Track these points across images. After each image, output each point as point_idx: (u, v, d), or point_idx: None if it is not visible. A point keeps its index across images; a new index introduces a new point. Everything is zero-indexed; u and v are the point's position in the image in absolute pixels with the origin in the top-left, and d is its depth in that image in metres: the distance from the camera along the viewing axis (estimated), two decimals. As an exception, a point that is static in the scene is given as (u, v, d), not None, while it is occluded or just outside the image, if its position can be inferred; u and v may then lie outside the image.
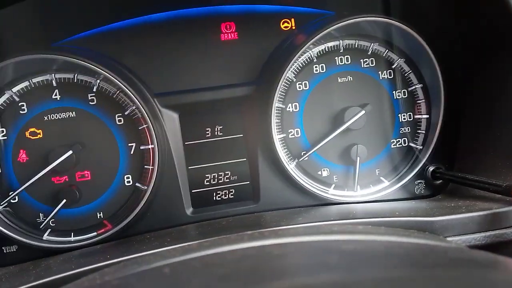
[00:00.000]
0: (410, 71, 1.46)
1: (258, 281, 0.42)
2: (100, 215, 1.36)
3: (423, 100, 1.47)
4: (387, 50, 1.45)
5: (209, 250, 0.55)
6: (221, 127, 1.44)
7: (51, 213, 1.30)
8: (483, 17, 1.25)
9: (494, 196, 1.20)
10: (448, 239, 1.08)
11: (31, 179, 1.28)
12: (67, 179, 1.34)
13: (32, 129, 1.33)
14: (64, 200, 1.30)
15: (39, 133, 1.33)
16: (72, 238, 1.31)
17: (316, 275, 0.41)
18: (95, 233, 1.32)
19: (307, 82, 1.44)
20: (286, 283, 0.40)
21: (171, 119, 1.39)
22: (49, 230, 1.32)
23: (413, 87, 1.47)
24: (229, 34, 1.43)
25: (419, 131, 1.48)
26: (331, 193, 1.44)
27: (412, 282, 0.41)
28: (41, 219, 1.33)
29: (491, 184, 1.17)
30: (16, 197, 1.32)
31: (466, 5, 1.27)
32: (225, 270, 0.47)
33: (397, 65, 1.46)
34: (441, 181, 1.45)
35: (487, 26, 1.25)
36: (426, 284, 0.41)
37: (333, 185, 1.45)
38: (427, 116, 1.47)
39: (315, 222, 1.20)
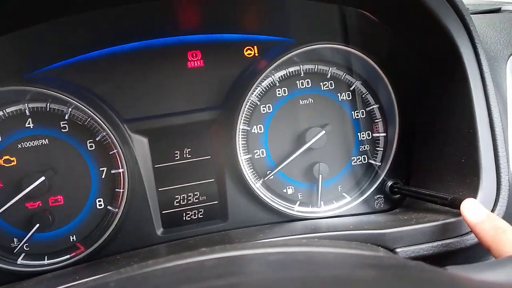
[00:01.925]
0: (367, 92, 1.56)
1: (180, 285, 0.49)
2: (73, 238, 1.40)
3: (380, 119, 1.56)
4: (345, 74, 1.55)
5: (157, 266, 0.61)
6: (189, 149, 1.50)
7: (25, 237, 1.34)
8: (429, 45, 1.35)
9: (443, 209, 1.28)
10: (398, 249, 1.16)
11: (5, 205, 1.32)
12: (40, 204, 1.38)
13: (6, 157, 1.38)
14: (38, 225, 1.34)
15: (13, 161, 1.38)
16: (46, 262, 1.35)
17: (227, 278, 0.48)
18: (68, 256, 1.36)
19: (270, 105, 1.53)
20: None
21: (140, 144, 1.46)
22: (23, 254, 1.36)
23: (371, 107, 1.56)
24: (196, 61, 1.51)
25: (378, 148, 1.57)
26: (296, 209, 1.51)
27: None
28: (15, 243, 1.37)
29: (439, 197, 1.26)
30: (-9, 223, 1.36)
31: (414, 35, 1.37)
32: (160, 280, 0.53)
33: (355, 87, 1.56)
34: (399, 195, 1.53)
35: (433, 53, 1.35)
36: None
37: (298, 202, 1.53)
38: (384, 134, 1.56)
39: (279, 237, 1.27)
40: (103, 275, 0.87)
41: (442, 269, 0.81)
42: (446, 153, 1.34)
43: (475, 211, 1.08)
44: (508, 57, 1.48)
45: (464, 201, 1.13)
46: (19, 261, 1.35)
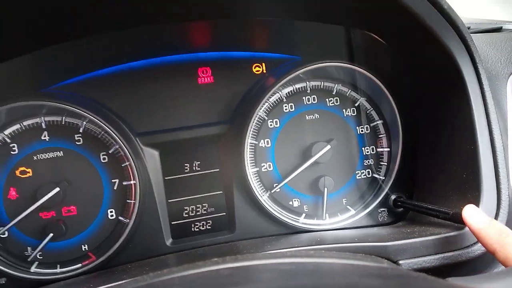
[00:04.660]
0: (372, 108, 1.60)
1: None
2: (85, 247, 1.45)
3: (384, 135, 1.60)
4: (350, 90, 1.60)
5: (174, 274, 0.65)
6: (198, 162, 1.55)
7: (39, 246, 1.39)
8: (431, 65, 1.40)
9: (446, 223, 1.31)
10: (401, 262, 1.20)
11: (20, 215, 1.37)
12: (54, 214, 1.43)
13: (22, 168, 1.43)
14: (51, 234, 1.39)
15: (29, 172, 1.43)
16: (58, 270, 1.40)
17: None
18: (80, 265, 1.40)
19: (277, 120, 1.57)
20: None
21: (152, 156, 1.51)
22: (36, 262, 1.40)
23: (375, 123, 1.61)
24: (206, 78, 1.56)
25: (382, 163, 1.61)
26: (302, 222, 1.55)
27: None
28: (29, 252, 1.41)
29: (441, 211, 1.29)
30: (6, 232, 1.41)
31: (417, 55, 1.42)
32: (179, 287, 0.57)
33: (359, 103, 1.60)
34: (402, 209, 1.56)
35: (435, 72, 1.40)
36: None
37: (304, 214, 1.57)
38: (388, 149, 1.60)
39: (285, 248, 1.31)
40: (119, 283, 0.92)
41: (444, 280, 0.84)
42: (448, 169, 1.37)
43: (477, 217, 1.13)
44: (509, 76, 1.52)
45: (465, 208, 1.17)
46: (32, 269, 1.40)
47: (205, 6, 1.30)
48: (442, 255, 1.21)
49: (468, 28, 1.99)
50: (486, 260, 1.27)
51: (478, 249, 1.21)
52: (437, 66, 1.37)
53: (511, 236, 1.03)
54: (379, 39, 1.43)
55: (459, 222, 1.22)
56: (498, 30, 2.00)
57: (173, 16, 1.36)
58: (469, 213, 1.15)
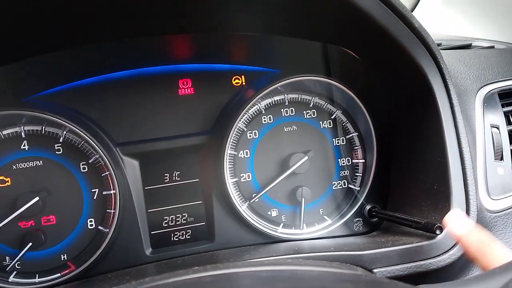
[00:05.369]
0: (347, 121, 1.66)
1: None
2: (64, 257, 1.45)
3: (359, 146, 1.66)
4: (326, 103, 1.65)
5: (158, 282, 0.68)
6: (178, 172, 1.57)
7: (17, 256, 1.38)
8: (403, 80, 1.46)
9: (418, 232, 1.36)
10: (375, 270, 1.24)
11: (-2, 225, 1.37)
12: (33, 224, 1.43)
13: (1, 177, 1.42)
14: (30, 244, 1.38)
15: (8, 181, 1.43)
16: (37, 280, 1.39)
17: None
18: (59, 274, 1.40)
19: (256, 131, 1.61)
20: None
21: (132, 166, 1.52)
22: (15, 272, 1.40)
23: (350, 135, 1.66)
24: (186, 89, 1.59)
25: (357, 174, 1.66)
26: (280, 231, 1.58)
27: None
28: (8, 261, 1.40)
29: (413, 221, 1.34)
30: (-16, 241, 1.40)
31: (390, 71, 1.48)
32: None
33: (335, 116, 1.66)
34: (376, 219, 1.61)
35: (407, 88, 1.46)
36: None
37: (282, 224, 1.60)
38: (363, 160, 1.65)
39: (264, 257, 1.34)
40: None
41: (414, 287, 0.89)
42: (420, 180, 1.43)
43: (459, 223, 1.09)
44: (477, 91, 1.59)
45: (449, 212, 1.16)
46: (11, 279, 1.39)
47: (185, 22, 1.34)
48: (414, 263, 1.25)
49: (440, 44, 2.08)
50: (456, 269, 1.33)
51: (448, 258, 1.26)
52: (408, 81, 1.43)
53: (491, 245, 1.00)
54: (354, 54, 1.49)
55: (431, 231, 1.27)
56: (467, 47, 2.09)
57: (154, 29, 1.39)
58: (451, 218, 1.11)
